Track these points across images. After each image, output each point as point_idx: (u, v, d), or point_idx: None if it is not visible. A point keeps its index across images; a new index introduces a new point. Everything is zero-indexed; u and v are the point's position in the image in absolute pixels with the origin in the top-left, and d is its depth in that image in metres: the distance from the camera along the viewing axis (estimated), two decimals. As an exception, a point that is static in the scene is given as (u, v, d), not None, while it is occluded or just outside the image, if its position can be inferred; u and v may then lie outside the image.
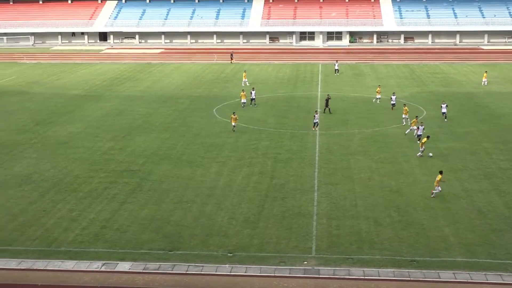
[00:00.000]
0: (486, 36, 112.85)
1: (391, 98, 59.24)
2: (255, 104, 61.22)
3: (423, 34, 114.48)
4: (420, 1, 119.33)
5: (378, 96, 62.86)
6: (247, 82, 72.79)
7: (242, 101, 60.75)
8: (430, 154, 43.41)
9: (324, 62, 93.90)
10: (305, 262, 27.81)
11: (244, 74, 75.34)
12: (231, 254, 28.46)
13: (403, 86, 72.56)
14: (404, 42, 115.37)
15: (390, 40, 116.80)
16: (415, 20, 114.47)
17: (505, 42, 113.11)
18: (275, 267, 27.39)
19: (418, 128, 47.21)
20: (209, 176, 39.64)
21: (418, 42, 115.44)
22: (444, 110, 54.26)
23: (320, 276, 26.70)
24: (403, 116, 52.79)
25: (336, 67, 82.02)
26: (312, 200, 35.23)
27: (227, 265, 27.53)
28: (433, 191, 35.61)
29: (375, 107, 60.25)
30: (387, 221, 32.19)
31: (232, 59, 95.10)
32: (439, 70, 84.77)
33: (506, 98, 64.84)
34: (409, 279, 26.45)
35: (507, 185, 37.39)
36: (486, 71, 74.93)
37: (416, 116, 50.83)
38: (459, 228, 31.25)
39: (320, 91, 70.01)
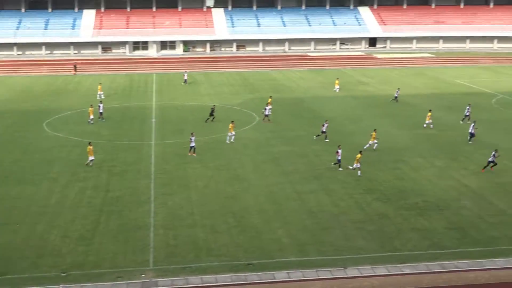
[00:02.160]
0: (312, 43, 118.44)
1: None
2: (103, 119, 58.96)
3: (254, 42, 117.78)
4: (251, 10, 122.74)
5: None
6: (102, 95, 70.34)
7: (90, 117, 57.29)
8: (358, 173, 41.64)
9: (159, 72, 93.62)
10: (143, 275, 27.58)
11: (99, 86, 72.09)
12: (64, 274, 27.51)
13: (236, 93, 74.19)
14: (236, 50, 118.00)
15: (222, 49, 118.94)
16: (247, 28, 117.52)
17: (330, 49, 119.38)
18: (112, 283, 26.92)
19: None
20: (40, 193, 37.98)
21: (249, 50, 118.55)
22: (471, 130, 50.72)
23: None
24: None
25: (185, 77, 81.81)
26: (148, 212, 35.00)
27: (61, 285, 26.57)
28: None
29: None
30: (224, 228, 32.76)
31: (75, 70, 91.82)
32: (270, 77, 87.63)
33: (331, 102, 68.42)
34: (245, 282, 27.14)
35: (335, 185, 39.51)
36: (337, 78, 78.47)
37: (375, 130, 49.11)
38: (291, 229, 32.53)
39: (155, 101, 69.70)
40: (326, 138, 50.76)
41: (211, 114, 57.92)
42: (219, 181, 40.59)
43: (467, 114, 57.30)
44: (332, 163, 43.20)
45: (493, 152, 42.68)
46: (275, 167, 43.55)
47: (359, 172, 41.47)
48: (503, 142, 49.90)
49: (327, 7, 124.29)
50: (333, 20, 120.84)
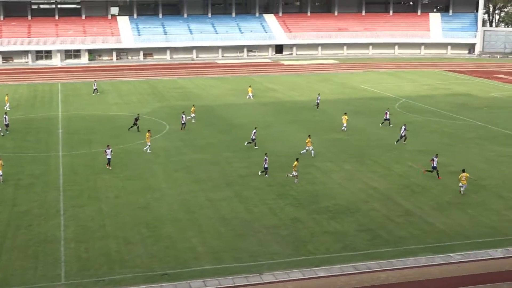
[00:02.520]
0: (220, 51, 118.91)
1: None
2: (7, 131, 56.52)
3: (162, 50, 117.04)
4: (157, 18, 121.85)
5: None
6: (8, 107, 67.37)
7: None
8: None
9: (64, 81, 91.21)
10: (55, 291, 26.77)
11: (6, 97, 69.01)
12: (-30, 294, 26.32)
13: (145, 102, 73.38)
14: (143, 58, 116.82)
15: (129, 57, 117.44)
16: (153, 36, 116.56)
17: (237, 56, 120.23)
18: (21, 300, 25.94)
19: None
20: None
21: (157, 58, 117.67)
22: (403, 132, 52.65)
23: (71, 303, 25.91)
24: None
25: (95, 87, 79.88)
26: (58, 225, 33.99)
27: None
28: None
29: (119, 125, 59.85)
30: (137, 238, 32.27)
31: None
32: (178, 85, 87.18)
33: (240, 109, 68.88)
34: (161, 293, 26.84)
35: (248, 191, 39.72)
36: (250, 85, 78.60)
37: (309, 136, 49.12)
38: (206, 237, 32.45)
39: (61, 111, 67.87)
40: (255, 145, 50.80)
41: (135, 124, 56.98)
42: (131, 191, 39.96)
43: (387, 118, 59.20)
44: (260, 172, 43.27)
45: (434, 158, 42.95)
46: (187, 176, 43.34)
47: (296, 180, 41.48)
48: (407, 145, 51.77)
49: (233, 14, 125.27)
50: (239, 28, 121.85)
